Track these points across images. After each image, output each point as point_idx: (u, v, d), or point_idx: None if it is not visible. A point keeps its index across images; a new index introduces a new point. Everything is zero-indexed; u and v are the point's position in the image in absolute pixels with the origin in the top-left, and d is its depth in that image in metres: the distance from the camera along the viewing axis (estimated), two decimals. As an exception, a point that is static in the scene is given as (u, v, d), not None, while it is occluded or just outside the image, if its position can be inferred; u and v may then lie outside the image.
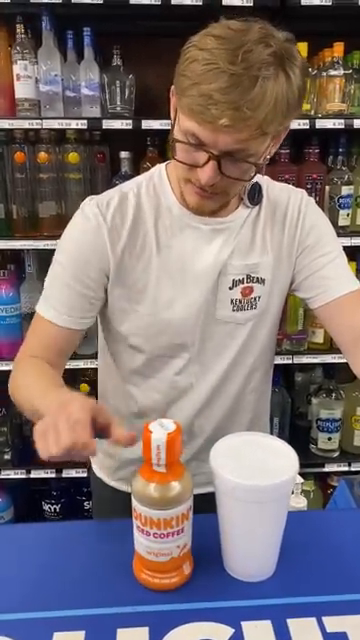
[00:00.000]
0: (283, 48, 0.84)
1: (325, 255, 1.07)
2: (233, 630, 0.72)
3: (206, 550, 0.83)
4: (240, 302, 1.06)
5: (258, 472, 0.75)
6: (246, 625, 0.73)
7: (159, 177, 1.06)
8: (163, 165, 1.08)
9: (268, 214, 1.08)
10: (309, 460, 2.29)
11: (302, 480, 1.05)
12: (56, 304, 1.04)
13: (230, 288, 1.05)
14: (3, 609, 0.76)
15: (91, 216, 1.02)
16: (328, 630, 0.73)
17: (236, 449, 0.81)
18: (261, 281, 1.07)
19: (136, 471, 0.77)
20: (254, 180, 1.05)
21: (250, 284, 1.06)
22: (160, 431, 0.73)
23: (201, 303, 1.05)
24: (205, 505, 0.82)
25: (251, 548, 0.79)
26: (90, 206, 1.03)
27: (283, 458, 0.79)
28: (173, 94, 0.92)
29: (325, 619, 0.74)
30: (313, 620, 0.74)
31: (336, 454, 2.31)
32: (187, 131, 0.88)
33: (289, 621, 0.74)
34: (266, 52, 0.81)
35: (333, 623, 0.73)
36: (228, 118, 0.81)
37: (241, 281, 1.05)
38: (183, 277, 1.04)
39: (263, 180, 1.10)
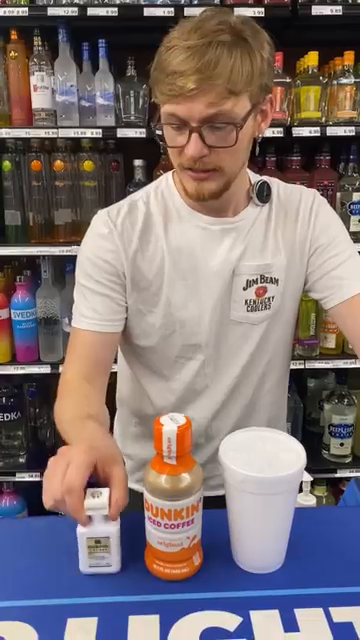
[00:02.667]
0: (237, 21, 0.90)
1: (338, 255, 1.08)
2: (241, 619, 0.74)
3: (216, 544, 0.85)
4: (254, 302, 1.08)
5: (267, 465, 0.77)
6: (254, 614, 0.75)
7: (166, 183, 1.10)
8: (170, 173, 1.11)
9: (280, 214, 1.09)
10: (321, 466, 2.28)
11: (311, 478, 1.07)
12: (85, 312, 1.07)
13: (244, 289, 1.07)
14: (19, 596, 0.78)
15: (102, 224, 1.06)
16: (335, 620, 0.74)
17: (245, 443, 0.83)
18: (274, 281, 1.08)
19: (148, 465, 0.79)
20: (262, 179, 1.08)
21: (264, 284, 1.07)
22: (171, 424, 0.75)
23: (214, 302, 1.07)
24: (220, 507, 0.83)
25: (259, 540, 0.81)
26: (100, 216, 1.08)
27: (291, 452, 0.81)
28: (154, 96, 0.97)
29: (332, 610, 0.75)
30: (320, 610, 0.75)
31: (348, 460, 2.31)
32: (167, 116, 0.92)
33: (296, 611, 0.75)
34: (217, 23, 0.88)
35: (340, 613, 0.75)
36: (192, 82, 0.86)
37: (255, 281, 1.07)
38: (195, 277, 1.06)
39: (273, 180, 1.12)
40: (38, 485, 0.81)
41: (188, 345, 1.10)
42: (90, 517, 0.78)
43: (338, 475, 2.30)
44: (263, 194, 1.08)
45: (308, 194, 1.12)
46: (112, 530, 0.79)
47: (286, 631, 0.72)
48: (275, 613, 0.75)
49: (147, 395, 1.17)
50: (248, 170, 1.12)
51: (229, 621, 0.74)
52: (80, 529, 0.79)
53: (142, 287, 1.07)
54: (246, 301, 1.08)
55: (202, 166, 0.95)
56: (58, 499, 0.75)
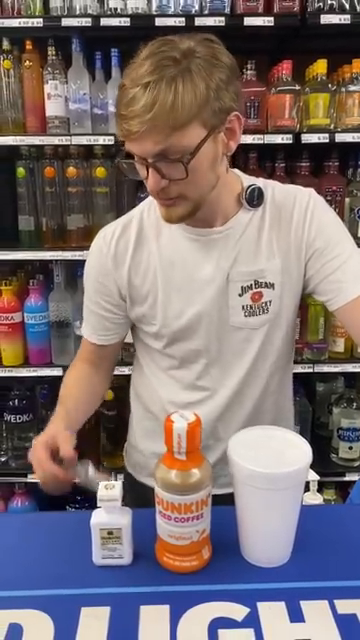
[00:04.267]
0: (186, 49, 0.90)
1: (336, 257, 1.07)
2: (249, 610, 0.77)
3: (224, 539, 0.88)
4: (251, 307, 1.10)
5: (273, 461, 0.80)
6: (261, 605, 0.78)
7: None
8: None
9: (274, 217, 1.09)
10: (330, 469, 2.30)
11: (318, 477, 1.09)
12: (86, 324, 1.22)
13: (240, 295, 1.09)
14: (35, 586, 0.82)
15: (96, 248, 1.15)
16: (339, 612, 0.77)
17: (253, 441, 0.86)
18: (270, 285, 1.09)
19: (159, 460, 0.82)
20: (255, 183, 1.09)
21: (259, 289, 1.09)
22: (181, 421, 0.78)
23: (210, 310, 1.09)
24: (229, 504, 0.86)
25: (267, 534, 0.84)
26: (97, 239, 1.16)
27: (297, 449, 0.84)
28: None
29: (337, 602, 0.78)
30: (325, 602, 0.78)
31: (357, 463, 2.32)
32: (128, 151, 0.96)
33: (302, 603, 0.78)
34: (160, 58, 0.88)
35: (344, 605, 0.78)
36: (134, 126, 0.88)
37: (249, 287, 1.08)
38: (189, 288, 1.09)
39: (269, 183, 1.12)
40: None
41: (190, 350, 1.13)
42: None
43: (347, 478, 2.31)
44: (254, 200, 1.08)
45: (303, 195, 1.11)
46: (124, 521, 0.82)
47: (292, 621, 0.75)
48: (281, 605, 0.78)
49: (158, 394, 1.21)
50: (240, 174, 1.13)
51: (237, 611, 0.77)
52: (94, 520, 0.82)
53: (140, 301, 1.13)
54: (243, 307, 1.10)
55: (165, 195, 0.97)
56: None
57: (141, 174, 0.98)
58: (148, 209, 1.13)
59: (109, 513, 0.83)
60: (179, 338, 1.12)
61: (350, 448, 2.29)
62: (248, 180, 1.12)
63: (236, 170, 1.13)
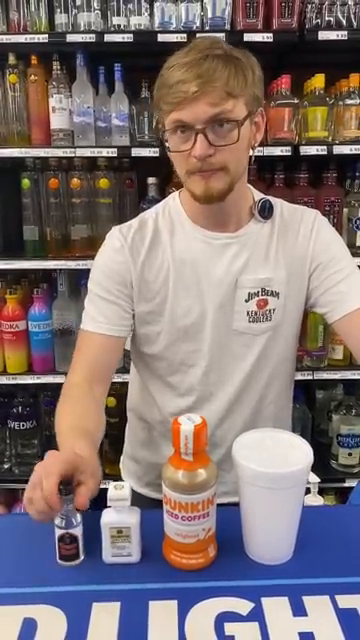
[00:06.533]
0: (228, 46, 1.02)
1: (339, 271, 1.13)
2: (253, 604, 0.80)
3: (229, 539, 0.92)
4: (256, 314, 1.14)
5: (277, 462, 0.84)
6: (265, 600, 0.81)
7: (173, 201, 1.19)
8: (177, 193, 1.20)
9: (281, 231, 1.16)
10: (330, 475, 2.32)
11: (318, 480, 1.12)
12: (95, 316, 1.15)
13: (246, 301, 1.14)
14: (49, 583, 0.85)
15: (114, 240, 1.16)
16: (340, 606, 0.80)
17: (257, 442, 0.90)
18: (275, 294, 1.14)
19: (166, 461, 0.86)
20: (265, 197, 1.15)
21: (265, 297, 1.14)
22: (188, 423, 0.82)
23: (216, 312, 1.14)
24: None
25: (269, 533, 0.87)
26: (113, 232, 1.18)
27: (298, 450, 0.87)
28: (159, 118, 1.07)
29: (338, 597, 0.81)
30: (326, 598, 0.81)
31: (356, 469, 2.34)
32: (172, 124, 1.01)
33: (304, 598, 0.81)
34: (210, 43, 1.01)
35: (345, 600, 0.81)
36: (194, 86, 0.96)
37: (256, 294, 1.13)
38: (198, 288, 1.13)
39: (277, 200, 1.19)
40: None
41: (191, 352, 1.17)
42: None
43: (347, 484, 2.33)
44: (265, 211, 1.15)
45: (309, 214, 1.18)
46: (133, 521, 0.85)
47: (295, 615, 0.78)
48: (284, 600, 0.81)
49: (154, 401, 1.24)
50: (252, 188, 1.19)
51: (242, 606, 0.80)
52: (104, 519, 0.85)
53: (149, 298, 1.15)
54: (248, 312, 1.14)
55: (208, 166, 1.02)
56: (29, 496, 0.84)
57: (185, 146, 1.02)
58: (162, 212, 1.18)
59: (118, 513, 0.86)
60: (182, 338, 1.16)
61: (349, 454, 2.32)
62: (258, 194, 1.19)
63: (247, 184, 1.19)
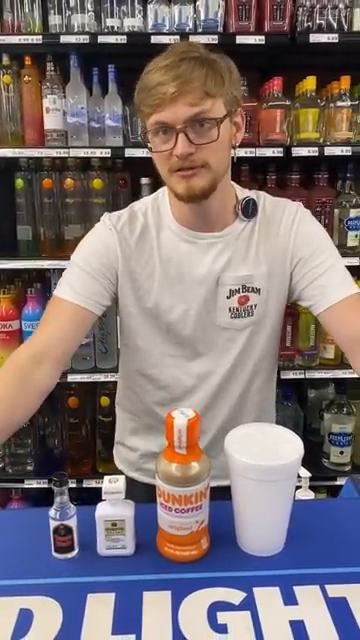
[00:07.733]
0: (205, 50, 1.04)
1: (320, 264, 1.15)
2: (245, 594, 0.82)
3: (222, 531, 0.93)
4: (237, 310, 1.17)
5: (268, 455, 0.86)
6: (257, 590, 0.83)
7: (162, 198, 1.21)
8: (166, 188, 1.20)
9: (263, 227, 1.17)
10: (321, 474, 2.34)
11: (309, 474, 1.14)
12: (73, 284, 1.14)
13: (227, 297, 1.16)
14: (44, 574, 0.86)
15: (103, 225, 1.19)
16: (330, 595, 0.82)
17: (248, 436, 0.91)
18: (256, 290, 1.17)
19: (160, 454, 0.87)
20: (249, 195, 1.17)
21: (246, 293, 1.16)
22: (181, 417, 0.83)
23: (199, 308, 1.16)
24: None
25: (262, 525, 0.89)
26: (103, 220, 1.20)
27: (289, 444, 0.89)
28: (141, 121, 1.09)
29: (328, 587, 0.83)
30: (317, 587, 0.83)
31: (348, 468, 2.37)
32: (154, 125, 1.03)
33: (295, 588, 0.83)
34: (187, 45, 1.07)
35: (335, 590, 0.83)
36: (172, 87, 0.98)
37: (237, 291, 1.16)
38: (182, 286, 1.16)
39: (260, 194, 1.21)
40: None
41: (175, 344, 1.19)
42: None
43: (338, 482, 2.35)
44: (249, 211, 1.17)
45: (291, 207, 1.20)
46: (127, 513, 0.87)
47: (286, 604, 0.80)
48: (276, 589, 0.83)
49: (140, 392, 1.26)
50: (236, 185, 1.21)
51: (234, 596, 0.82)
52: (98, 512, 0.87)
53: (134, 288, 1.17)
54: (230, 309, 1.17)
55: (190, 164, 1.04)
56: None
57: (166, 145, 1.04)
58: (152, 208, 1.19)
59: (113, 505, 0.88)
60: (166, 331, 1.19)
61: (341, 453, 2.34)
62: (241, 192, 1.20)
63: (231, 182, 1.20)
